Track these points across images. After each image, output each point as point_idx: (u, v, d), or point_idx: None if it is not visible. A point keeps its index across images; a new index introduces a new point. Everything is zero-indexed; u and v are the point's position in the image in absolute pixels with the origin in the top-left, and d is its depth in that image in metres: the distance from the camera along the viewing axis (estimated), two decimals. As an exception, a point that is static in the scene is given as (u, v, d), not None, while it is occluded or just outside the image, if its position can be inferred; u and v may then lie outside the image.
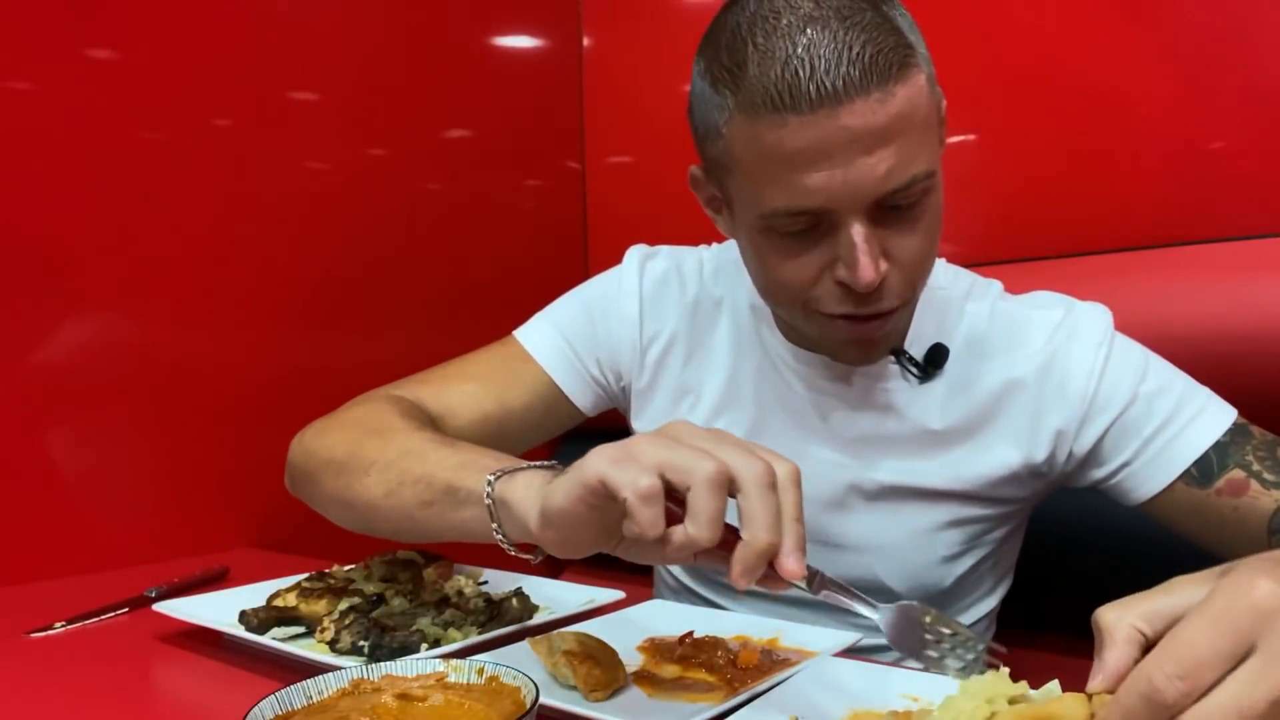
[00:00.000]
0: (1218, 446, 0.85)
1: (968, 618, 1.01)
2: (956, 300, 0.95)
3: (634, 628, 0.86)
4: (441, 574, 0.98)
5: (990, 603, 1.02)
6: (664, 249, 1.07)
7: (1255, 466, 0.84)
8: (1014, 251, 1.29)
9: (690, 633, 0.83)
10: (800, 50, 0.72)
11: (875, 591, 0.91)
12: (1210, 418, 0.87)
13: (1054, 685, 0.60)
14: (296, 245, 1.47)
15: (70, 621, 0.97)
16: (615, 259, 1.03)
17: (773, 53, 0.73)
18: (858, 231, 0.75)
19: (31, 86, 1.20)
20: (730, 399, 0.99)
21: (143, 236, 1.30)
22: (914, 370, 0.92)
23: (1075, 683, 0.62)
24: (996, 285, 0.98)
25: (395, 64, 1.59)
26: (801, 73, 0.71)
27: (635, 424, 1.05)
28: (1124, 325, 1.12)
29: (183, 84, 1.33)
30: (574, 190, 1.89)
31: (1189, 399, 0.88)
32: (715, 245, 1.07)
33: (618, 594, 0.96)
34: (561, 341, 1.02)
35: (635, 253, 1.06)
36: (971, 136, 1.42)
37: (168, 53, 1.32)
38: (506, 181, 1.79)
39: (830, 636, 0.82)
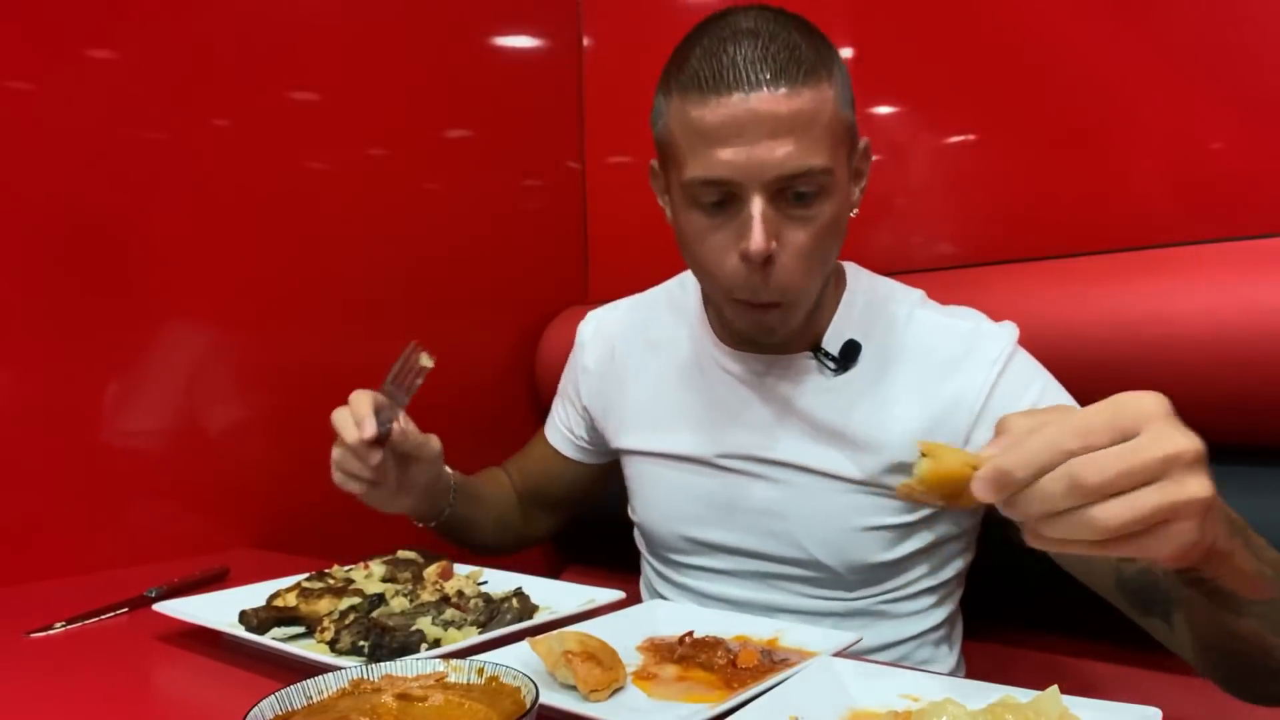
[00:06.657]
0: None
1: (911, 599, 1.04)
2: (877, 303, 1.05)
3: (634, 628, 0.86)
4: (442, 574, 0.98)
5: (929, 595, 1.05)
6: (596, 314, 1.27)
7: None
8: (1014, 251, 1.29)
9: (690, 633, 0.83)
10: (730, 49, 0.89)
11: (805, 561, 1.03)
12: None
13: (1053, 690, 0.60)
14: (295, 245, 1.47)
15: (70, 621, 0.97)
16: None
17: (710, 51, 0.90)
18: (756, 205, 0.89)
19: (31, 86, 1.20)
20: (647, 417, 1.15)
21: (141, 237, 1.30)
22: (830, 364, 1.02)
23: (1074, 682, 0.62)
24: (918, 293, 1.08)
25: (395, 64, 1.59)
26: (725, 64, 0.88)
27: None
28: (1124, 326, 1.12)
29: (183, 84, 1.33)
30: (574, 190, 1.89)
31: None
32: (661, 291, 1.22)
33: (618, 594, 0.96)
34: (561, 428, 1.30)
35: (581, 329, 1.27)
36: (972, 136, 1.42)
37: (168, 53, 1.32)
38: (506, 181, 1.79)
39: (830, 636, 0.82)
